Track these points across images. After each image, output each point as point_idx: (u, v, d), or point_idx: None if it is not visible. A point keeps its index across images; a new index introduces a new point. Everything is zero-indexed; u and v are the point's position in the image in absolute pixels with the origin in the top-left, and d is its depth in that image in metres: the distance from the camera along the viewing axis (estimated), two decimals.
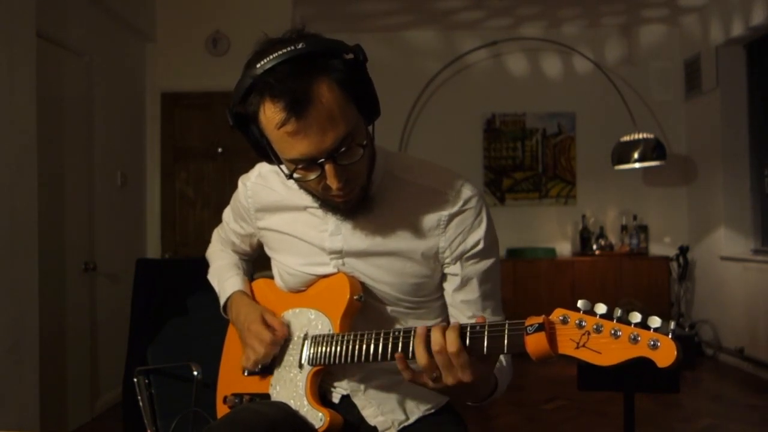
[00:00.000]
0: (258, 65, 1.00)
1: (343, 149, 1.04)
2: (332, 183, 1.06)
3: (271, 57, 1.00)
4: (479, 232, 1.19)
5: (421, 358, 1.02)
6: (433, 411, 1.30)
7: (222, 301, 1.42)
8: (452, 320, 1.25)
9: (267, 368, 1.29)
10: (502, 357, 1.19)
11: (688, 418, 3.61)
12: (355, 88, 1.04)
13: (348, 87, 1.03)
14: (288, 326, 1.29)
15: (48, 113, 3.27)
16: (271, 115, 1.01)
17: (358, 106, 1.06)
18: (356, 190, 1.13)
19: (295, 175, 1.08)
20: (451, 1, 4.98)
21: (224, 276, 1.44)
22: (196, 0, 4.71)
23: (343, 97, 1.02)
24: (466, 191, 1.18)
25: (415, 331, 1.06)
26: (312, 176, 1.07)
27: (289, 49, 1.00)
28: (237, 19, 4.62)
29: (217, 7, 4.68)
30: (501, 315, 1.26)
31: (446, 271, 1.22)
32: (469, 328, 1.02)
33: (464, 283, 1.21)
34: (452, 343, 1.00)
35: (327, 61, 1.01)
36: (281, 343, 1.26)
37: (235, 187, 1.38)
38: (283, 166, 1.09)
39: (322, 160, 1.04)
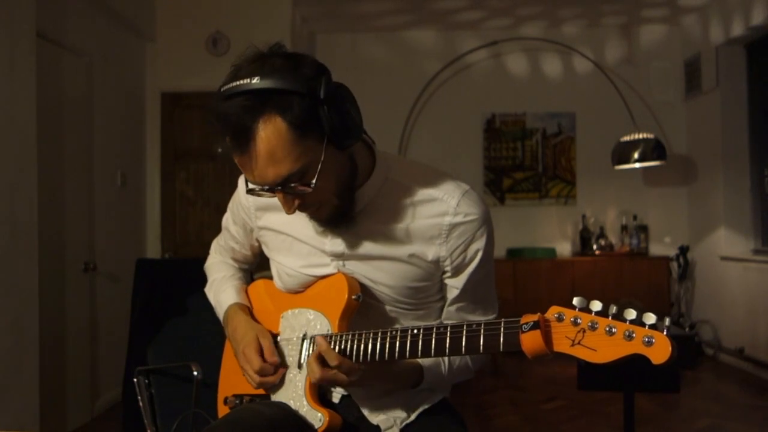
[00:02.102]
0: (222, 89, 1.04)
1: (291, 184, 1.05)
2: (284, 208, 1.11)
3: (231, 85, 1.02)
4: (479, 244, 1.20)
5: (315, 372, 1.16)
6: (433, 406, 1.31)
7: (220, 315, 1.42)
8: (445, 321, 1.28)
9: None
10: (445, 360, 1.26)
11: (688, 418, 3.61)
12: (314, 123, 1.03)
13: (303, 125, 1.02)
14: (281, 344, 1.30)
15: (48, 113, 3.27)
16: (227, 140, 1.06)
17: (321, 137, 1.05)
18: (323, 211, 1.14)
19: (254, 192, 1.11)
20: (451, 1, 4.98)
21: (220, 289, 1.44)
22: (196, 0, 4.72)
23: (292, 138, 1.02)
24: (470, 202, 1.19)
25: (409, 331, 1.11)
26: (267, 196, 1.11)
27: (245, 81, 1.01)
28: (237, 19, 4.62)
29: (217, 7, 4.68)
30: (494, 312, 1.30)
31: (446, 281, 1.24)
32: (465, 327, 1.05)
33: (462, 294, 1.24)
34: (332, 359, 1.12)
35: (281, 98, 1.01)
36: (272, 372, 1.26)
37: (234, 187, 1.38)
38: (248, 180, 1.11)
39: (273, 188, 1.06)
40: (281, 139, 1.01)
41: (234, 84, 1.02)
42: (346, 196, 1.15)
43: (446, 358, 1.25)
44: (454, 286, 1.23)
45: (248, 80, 1.01)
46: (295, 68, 1.04)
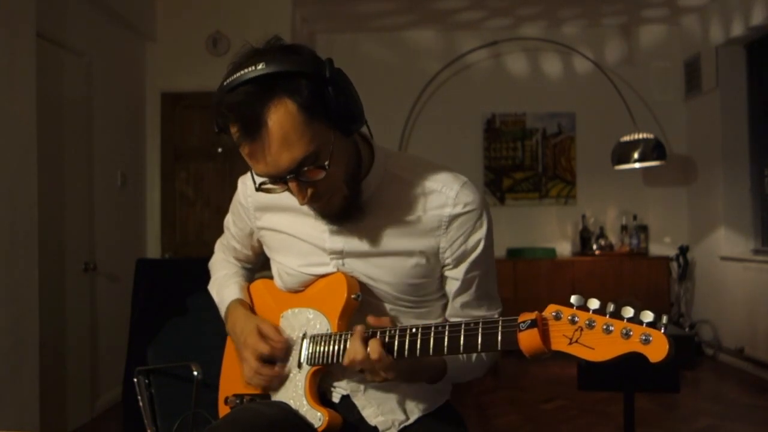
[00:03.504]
0: (225, 82, 1.03)
1: (305, 169, 1.04)
2: (297, 198, 1.09)
3: (235, 76, 1.01)
4: (480, 234, 1.19)
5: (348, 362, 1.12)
6: (432, 410, 1.31)
7: (222, 311, 1.42)
8: (450, 319, 1.27)
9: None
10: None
11: (688, 418, 3.61)
12: (322, 105, 1.03)
13: (312, 107, 1.02)
14: (285, 333, 1.28)
15: (48, 113, 3.27)
16: (233, 134, 1.04)
17: (329, 121, 1.05)
18: (334, 201, 1.13)
19: (263, 187, 1.10)
20: (451, 1, 4.98)
21: (223, 285, 1.44)
22: (196, 0, 4.72)
23: (303, 120, 1.01)
24: (469, 193, 1.18)
25: (407, 330, 1.10)
26: (279, 189, 1.09)
27: (250, 69, 1.00)
28: (237, 19, 4.62)
29: (217, 7, 4.68)
30: (498, 307, 1.30)
31: (447, 274, 1.23)
32: (463, 325, 1.05)
33: (464, 287, 1.23)
34: (374, 351, 1.08)
35: (288, 81, 1.00)
36: (281, 355, 1.25)
37: (235, 187, 1.38)
38: (254, 176, 1.10)
39: (286, 177, 1.05)
40: (293, 122, 1.01)
41: (238, 74, 1.01)
42: (353, 186, 1.15)
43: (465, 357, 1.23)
44: (455, 277, 1.22)
45: (252, 68, 1.00)
46: (297, 53, 1.04)
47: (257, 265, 1.53)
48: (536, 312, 0.97)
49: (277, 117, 1.00)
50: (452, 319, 1.27)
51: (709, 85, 5.09)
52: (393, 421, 1.27)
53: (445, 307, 1.29)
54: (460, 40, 5.65)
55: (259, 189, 1.10)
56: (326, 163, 1.05)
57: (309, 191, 1.08)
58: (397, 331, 1.11)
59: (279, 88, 1.00)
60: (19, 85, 2.76)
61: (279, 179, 1.06)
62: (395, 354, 1.10)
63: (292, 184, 1.07)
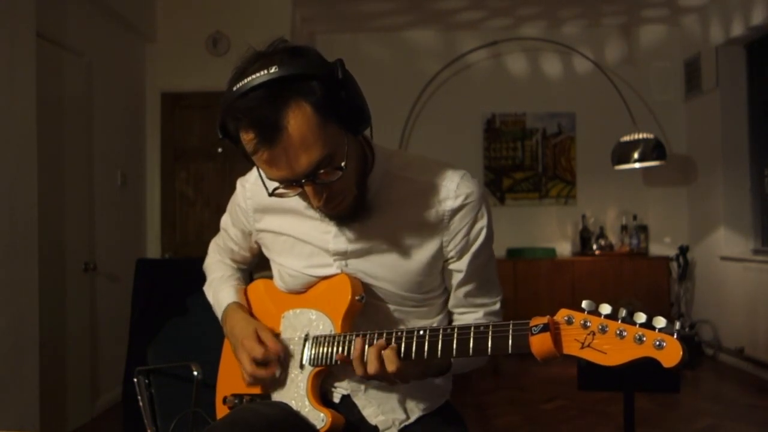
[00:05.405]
0: (234, 88, 1.01)
1: (321, 171, 1.03)
2: (313, 202, 1.09)
3: (245, 81, 0.99)
4: (482, 223, 1.20)
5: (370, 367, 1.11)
6: (433, 410, 1.31)
7: (218, 314, 1.41)
8: (453, 309, 1.28)
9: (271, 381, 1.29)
10: None
11: (688, 418, 3.61)
12: (335, 107, 1.03)
13: (325, 108, 1.01)
14: (283, 342, 1.28)
15: (48, 113, 3.27)
16: (246, 142, 1.03)
17: (340, 122, 1.05)
18: (345, 202, 1.13)
19: (277, 192, 1.09)
20: (451, 1, 4.98)
21: (219, 288, 1.43)
22: (196, 0, 4.72)
23: (319, 121, 1.01)
24: (469, 184, 1.19)
25: (415, 332, 1.10)
26: (292, 193, 1.09)
27: (262, 73, 0.98)
28: (237, 19, 4.62)
29: (217, 7, 4.68)
30: (499, 294, 1.29)
31: (450, 267, 1.23)
32: (472, 328, 1.05)
33: (467, 278, 1.23)
34: (390, 361, 1.09)
35: (301, 84, 1.00)
36: (274, 360, 1.25)
37: (234, 187, 1.38)
38: (266, 181, 1.09)
39: (302, 180, 1.04)
40: (310, 124, 1.00)
41: (249, 79, 0.99)
42: (362, 186, 1.15)
43: None
44: (458, 269, 1.22)
45: (264, 72, 0.99)
46: (306, 55, 1.04)
47: (252, 266, 1.53)
48: (548, 316, 0.97)
49: (295, 121, 0.99)
50: (455, 310, 1.28)
51: (709, 85, 5.09)
52: (393, 420, 1.27)
53: (444, 304, 1.29)
54: (460, 40, 5.65)
55: (272, 194, 1.09)
56: (342, 164, 1.05)
57: (324, 194, 1.08)
58: (404, 334, 1.11)
59: (294, 90, 0.99)
60: (19, 85, 2.76)
61: (294, 183, 1.05)
62: (401, 356, 1.10)
63: (308, 188, 1.06)
